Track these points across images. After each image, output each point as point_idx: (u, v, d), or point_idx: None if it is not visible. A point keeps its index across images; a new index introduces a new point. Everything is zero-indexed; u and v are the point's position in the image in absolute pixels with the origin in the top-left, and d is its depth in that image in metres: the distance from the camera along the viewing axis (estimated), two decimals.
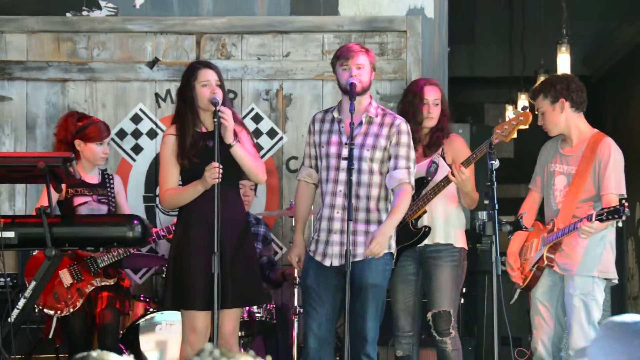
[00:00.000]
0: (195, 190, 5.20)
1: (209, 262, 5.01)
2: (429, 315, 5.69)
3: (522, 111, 5.51)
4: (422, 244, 5.70)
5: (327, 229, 5.29)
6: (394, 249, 5.37)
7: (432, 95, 5.82)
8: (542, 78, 9.83)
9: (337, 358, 6.39)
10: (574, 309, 5.41)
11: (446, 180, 5.58)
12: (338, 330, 6.40)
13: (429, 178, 5.71)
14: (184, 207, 5.32)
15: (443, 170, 5.69)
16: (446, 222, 5.74)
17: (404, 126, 5.34)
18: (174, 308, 5.46)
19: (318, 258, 5.29)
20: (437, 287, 5.67)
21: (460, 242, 5.77)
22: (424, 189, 5.69)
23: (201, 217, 5.22)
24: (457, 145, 5.85)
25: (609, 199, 5.34)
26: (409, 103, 5.85)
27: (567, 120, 5.55)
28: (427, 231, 5.66)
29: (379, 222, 5.27)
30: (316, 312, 5.29)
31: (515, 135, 5.56)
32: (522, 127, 5.56)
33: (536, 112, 5.61)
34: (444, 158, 5.79)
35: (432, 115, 5.79)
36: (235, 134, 5.24)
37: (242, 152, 5.23)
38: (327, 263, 5.27)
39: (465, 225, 5.96)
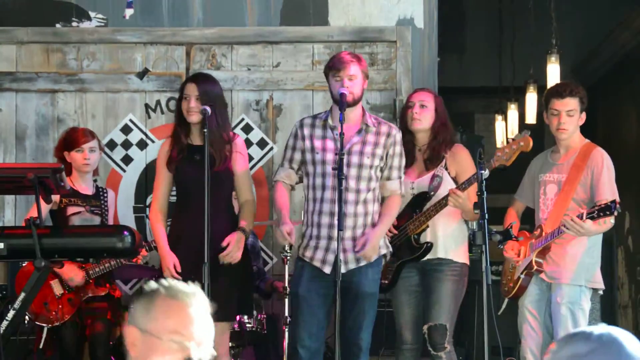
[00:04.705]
0: (158, 245, 5.42)
1: (191, 274, 5.09)
2: (425, 328, 5.59)
3: (522, 136, 5.41)
4: (425, 258, 5.63)
5: (328, 236, 5.28)
6: (384, 250, 5.41)
7: (418, 98, 5.69)
8: (532, 88, 9.87)
9: None
10: (560, 318, 5.42)
11: (447, 198, 5.47)
12: (328, 341, 6.40)
13: (432, 192, 5.62)
14: (171, 223, 5.50)
15: (447, 184, 5.60)
16: (447, 238, 5.64)
17: (399, 136, 5.46)
18: None
19: (317, 264, 5.28)
20: (436, 301, 5.57)
21: (462, 257, 5.66)
22: (426, 204, 5.61)
23: (184, 233, 5.34)
24: (461, 157, 5.70)
25: None
26: (401, 112, 5.86)
27: (577, 130, 5.61)
28: (429, 247, 5.59)
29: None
30: (307, 322, 5.27)
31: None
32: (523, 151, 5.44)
33: (553, 112, 5.58)
34: (447, 170, 5.67)
35: (417, 116, 5.64)
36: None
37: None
38: (327, 270, 5.26)
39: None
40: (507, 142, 5.47)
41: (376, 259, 5.37)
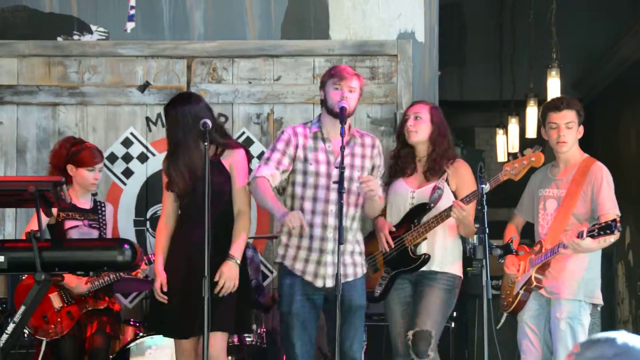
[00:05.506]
0: (155, 260, 5.39)
1: (185, 287, 5.17)
2: (410, 334, 5.47)
3: (534, 151, 5.38)
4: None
5: (319, 249, 5.27)
6: (365, 269, 5.47)
7: (413, 110, 5.72)
8: (532, 102, 9.88)
9: None
10: (560, 333, 5.41)
11: (450, 210, 5.44)
12: (328, 354, 6.38)
13: (432, 204, 5.58)
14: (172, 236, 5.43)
15: (447, 198, 5.58)
16: (444, 252, 5.62)
17: (381, 145, 5.54)
18: (152, 329, 5.69)
19: (308, 278, 5.26)
20: (424, 307, 5.50)
21: (457, 270, 5.64)
22: (425, 216, 5.58)
23: (181, 245, 5.31)
24: (462, 173, 5.68)
25: (607, 219, 5.32)
26: (399, 126, 5.87)
27: (575, 144, 5.61)
28: (426, 258, 5.56)
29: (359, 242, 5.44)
30: (302, 341, 5.27)
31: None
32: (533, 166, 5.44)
33: (552, 126, 5.56)
34: (448, 184, 5.64)
35: (412, 128, 5.65)
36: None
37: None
38: (319, 284, 5.26)
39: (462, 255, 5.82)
40: (517, 155, 5.42)
41: (362, 275, 5.42)
